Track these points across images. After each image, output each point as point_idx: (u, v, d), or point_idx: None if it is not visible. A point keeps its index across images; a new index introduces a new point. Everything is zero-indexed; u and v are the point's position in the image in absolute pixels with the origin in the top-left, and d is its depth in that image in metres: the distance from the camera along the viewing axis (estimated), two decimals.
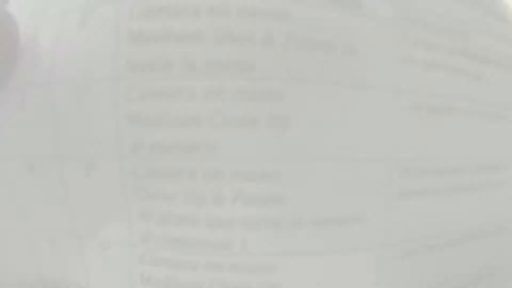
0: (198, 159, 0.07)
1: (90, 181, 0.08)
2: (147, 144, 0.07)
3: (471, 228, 0.09)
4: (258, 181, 0.07)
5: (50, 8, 0.09)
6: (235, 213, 0.07)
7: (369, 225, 0.08)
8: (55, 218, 0.08)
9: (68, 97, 0.08)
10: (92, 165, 0.08)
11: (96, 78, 0.08)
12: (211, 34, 0.07)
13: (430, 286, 0.09)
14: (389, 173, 0.08)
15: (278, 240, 0.07)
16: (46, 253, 0.09)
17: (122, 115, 0.07)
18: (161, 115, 0.07)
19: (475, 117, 0.09)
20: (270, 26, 0.07)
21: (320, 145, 0.07)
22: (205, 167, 0.07)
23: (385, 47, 0.08)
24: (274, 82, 0.07)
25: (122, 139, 0.07)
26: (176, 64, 0.07)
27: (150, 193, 0.08)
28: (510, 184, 0.10)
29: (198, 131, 0.07)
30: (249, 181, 0.07)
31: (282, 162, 0.07)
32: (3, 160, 0.09)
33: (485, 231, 0.10)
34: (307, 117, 0.07)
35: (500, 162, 0.10)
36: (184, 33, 0.07)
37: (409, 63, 0.08)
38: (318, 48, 0.07)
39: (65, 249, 0.09)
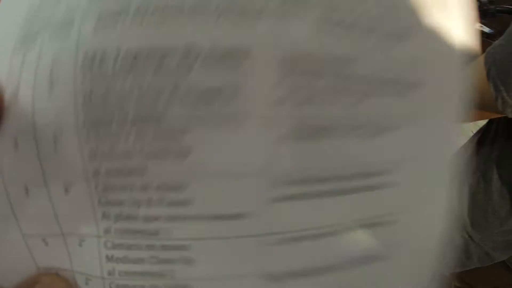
0: (135, 179, 0.11)
1: (68, 197, 0.12)
2: (103, 171, 0.11)
3: (352, 223, 0.12)
4: (173, 191, 0.11)
5: (25, 76, 0.12)
6: (161, 212, 0.11)
7: (249, 221, 0.11)
8: (47, 224, 0.12)
9: (48, 140, 0.12)
10: (69, 186, 0.12)
11: (65, 127, 0.11)
12: (134, 97, 0.11)
13: (312, 270, 0.12)
14: (265, 184, 0.11)
15: (189, 229, 0.11)
16: (41, 249, 0.13)
17: (85, 152, 0.11)
18: (109, 152, 0.11)
19: (354, 135, 0.12)
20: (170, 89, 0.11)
21: (212, 166, 0.11)
22: (140, 184, 0.11)
23: (262, 91, 0.11)
24: (178, 124, 0.11)
25: (87, 168, 0.11)
26: (115, 119, 0.11)
27: (108, 201, 0.12)
28: (394, 185, 0.12)
29: (132, 161, 0.11)
30: (168, 191, 0.11)
31: (187, 178, 0.11)
32: (6, 184, 0.13)
33: (373, 224, 0.12)
34: (202, 147, 0.11)
35: (380, 169, 0.12)
36: (118, 94, 0.11)
37: (284, 100, 0.11)
38: (207, 99, 0.11)
39: (54, 245, 0.13)
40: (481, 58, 0.48)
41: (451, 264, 0.71)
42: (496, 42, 0.47)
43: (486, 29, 0.73)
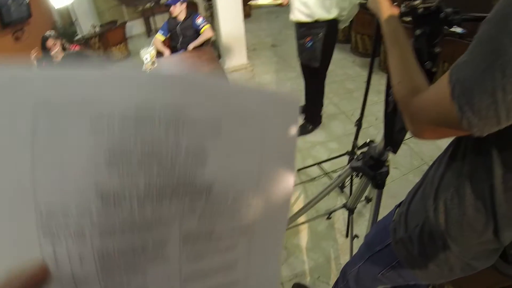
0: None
1: None
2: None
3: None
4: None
5: (60, 259, 0.23)
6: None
7: None
8: None
9: (82, 285, 0.23)
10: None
11: (91, 280, 0.24)
12: (122, 268, 0.25)
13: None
14: (179, 278, 0.28)
15: None
16: None
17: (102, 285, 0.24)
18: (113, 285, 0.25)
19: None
20: None
21: (155, 277, 0.27)
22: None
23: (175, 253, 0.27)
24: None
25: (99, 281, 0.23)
26: (117, 274, 0.25)
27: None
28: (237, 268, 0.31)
29: None
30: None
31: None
32: None
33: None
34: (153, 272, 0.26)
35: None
36: (118, 269, 0.25)
37: (182, 255, 0.28)
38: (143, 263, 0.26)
39: None
40: (446, 76, 0.46)
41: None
42: (460, 59, 0.44)
43: (459, 30, 0.76)
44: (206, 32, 3.19)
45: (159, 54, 3.16)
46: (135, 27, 7.72)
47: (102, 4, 7.39)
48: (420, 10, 0.72)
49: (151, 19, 6.79)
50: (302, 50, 2.47)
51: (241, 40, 4.11)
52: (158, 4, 6.13)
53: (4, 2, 4.90)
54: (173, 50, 3.32)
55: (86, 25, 6.60)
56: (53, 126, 0.21)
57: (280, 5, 2.56)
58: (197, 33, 3.24)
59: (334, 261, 1.67)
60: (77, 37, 5.52)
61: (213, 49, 5.01)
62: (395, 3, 0.75)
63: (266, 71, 4.12)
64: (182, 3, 3.14)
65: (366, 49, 3.95)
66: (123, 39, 6.23)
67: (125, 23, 6.67)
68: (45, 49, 2.75)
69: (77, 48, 3.00)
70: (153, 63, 2.51)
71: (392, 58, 0.68)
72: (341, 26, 2.35)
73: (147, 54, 2.47)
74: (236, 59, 4.19)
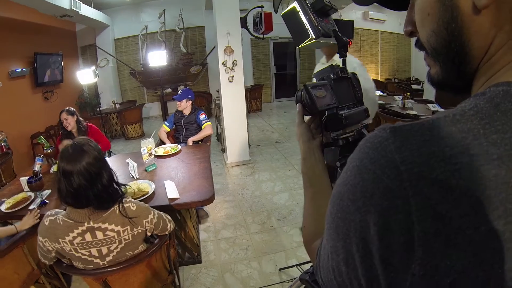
0: None
1: None
2: None
3: None
4: None
5: None
6: None
7: None
8: None
9: None
10: None
11: None
12: None
13: None
14: None
15: None
16: None
17: None
18: None
19: None
20: None
21: None
22: None
23: None
24: None
25: None
26: None
27: None
28: None
29: None
30: None
31: None
32: None
33: None
34: None
35: None
36: None
37: None
38: None
39: None
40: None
41: None
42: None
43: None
44: (206, 129, 3.36)
45: (163, 143, 3.32)
46: (152, 109, 8.22)
47: (126, 83, 7.99)
48: (341, 142, 0.68)
49: (168, 104, 7.22)
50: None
51: (243, 138, 4.30)
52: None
53: (42, 63, 5.47)
54: (176, 141, 3.48)
55: (108, 100, 7.15)
56: None
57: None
58: (199, 128, 3.42)
59: None
60: (99, 109, 5.91)
61: (218, 142, 5.22)
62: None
63: (266, 169, 4.18)
64: (187, 100, 3.40)
65: None
66: (139, 119, 6.59)
67: (142, 104, 7.15)
68: (60, 119, 3.11)
69: (90, 126, 3.21)
70: (150, 154, 2.60)
71: (305, 199, 0.66)
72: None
73: (145, 147, 2.57)
74: (238, 155, 4.33)
